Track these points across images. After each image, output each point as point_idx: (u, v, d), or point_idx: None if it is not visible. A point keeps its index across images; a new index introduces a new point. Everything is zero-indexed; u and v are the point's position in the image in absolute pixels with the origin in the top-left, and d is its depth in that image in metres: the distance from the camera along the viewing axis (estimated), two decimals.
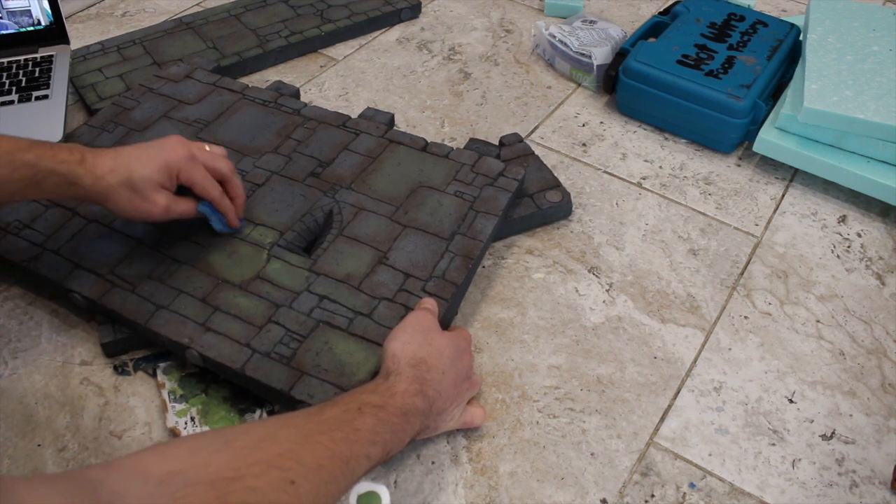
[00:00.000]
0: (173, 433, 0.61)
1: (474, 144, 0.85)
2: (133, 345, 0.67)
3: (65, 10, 0.98)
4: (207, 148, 0.67)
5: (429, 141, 0.81)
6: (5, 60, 0.94)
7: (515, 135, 0.87)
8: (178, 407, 0.63)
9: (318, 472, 0.44)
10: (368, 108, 0.88)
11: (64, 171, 0.59)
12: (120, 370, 0.66)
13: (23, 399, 0.64)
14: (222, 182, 0.67)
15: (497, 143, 0.87)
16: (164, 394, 0.64)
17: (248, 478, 0.41)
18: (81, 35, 1.09)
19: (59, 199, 0.61)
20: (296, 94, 0.91)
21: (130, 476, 0.39)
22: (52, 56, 0.95)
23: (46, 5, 0.96)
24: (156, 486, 0.38)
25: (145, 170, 0.61)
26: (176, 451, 0.42)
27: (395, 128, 0.85)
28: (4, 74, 0.92)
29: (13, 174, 0.57)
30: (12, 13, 0.95)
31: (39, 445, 0.61)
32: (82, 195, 0.61)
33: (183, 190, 0.66)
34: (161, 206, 0.63)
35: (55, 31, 0.97)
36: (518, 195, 0.78)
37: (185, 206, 0.65)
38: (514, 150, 0.85)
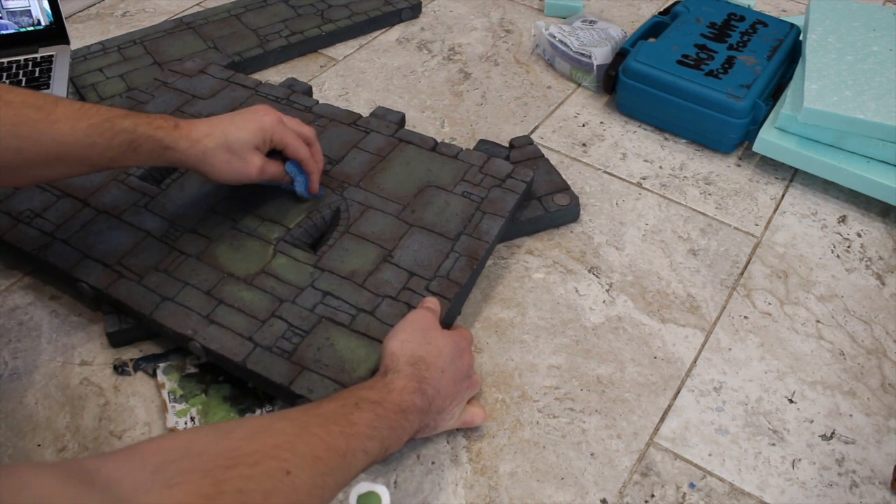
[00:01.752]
0: (172, 432, 0.61)
1: (483, 146, 0.86)
2: (137, 336, 0.68)
3: (65, 10, 0.98)
4: (289, 118, 0.71)
5: (438, 141, 0.81)
6: (5, 60, 0.94)
7: (526, 137, 0.87)
8: (178, 407, 0.63)
9: (313, 464, 0.44)
10: (379, 107, 0.89)
11: (161, 137, 0.61)
12: (120, 370, 0.66)
13: (23, 399, 0.64)
14: (308, 145, 0.71)
15: (506, 145, 0.87)
16: (164, 394, 0.64)
17: (243, 467, 0.41)
18: (81, 35, 1.09)
19: (155, 164, 0.64)
20: (308, 90, 0.92)
21: (126, 465, 0.39)
22: (52, 56, 0.95)
23: (46, 5, 0.96)
24: (151, 474, 0.38)
25: (241, 132, 0.65)
26: (172, 443, 0.42)
27: (404, 127, 0.85)
28: (4, 74, 0.92)
29: (112, 140, 0.59)
30: (12, 13, 0.95)
31: (39, 445, 0.61)
32: (177, 159, 0.63)
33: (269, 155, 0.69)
34: (257, 167, 0.67)
35: (55, 31, 0.97)
36: (526, 197, 0.78)
37: (276, 168, 0.70)
38: (523, 152, 0.85)
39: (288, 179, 0.72)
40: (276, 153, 0.70)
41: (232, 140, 0.64)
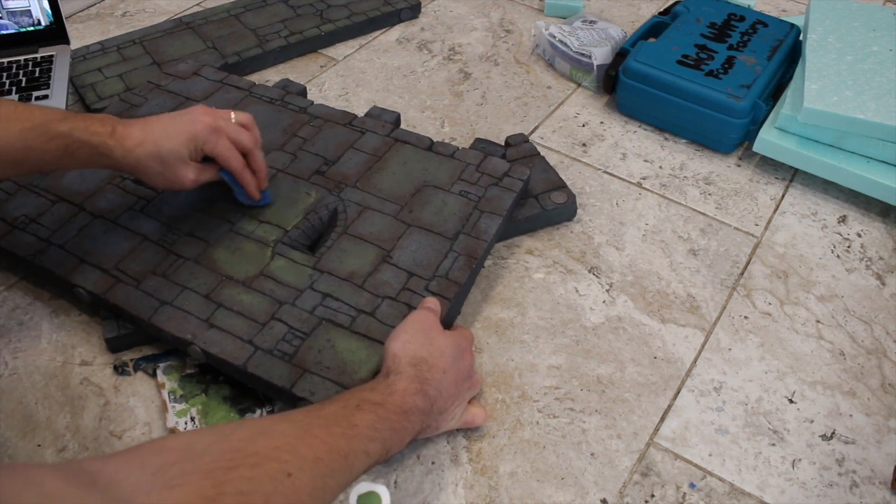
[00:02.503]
0: (173, 433, 0.61)
1: (480, 144, 0.86)
2: (136, 340, 0.67)
3: (65, 10, 0.98)
4: (233, 116, 0.69)
5: (434, 141, 0.81)
6: (5, 60, 0.94)
7: (521, 135, 0.87)
8: (178, 407, 0.63)
9: (315, 465, 0.44)
10: (375, 106, 0.88)
11: (96, 143, 0.61)
12: (120, 370, 0.66)
13: (23, 399, 0.64)
14: (245, 153, 0.69)
15: (502, 144, 0.87)
16: (164, 394, 0.64)
17: (243, 468, 0.40)
18: (81, 35, 1.09)
19: (95, 167, 0.64)
20: (302, 91, 0.92)
21: (127, 466, 0.39)
22: (52, 56, 0.95)
23: (46, 5, 0.96)
24: (151, 475, 0.38)
25: (172, 143, 0.64)
26: (173, 444, 0.42)
27: (400, 127, 0.85)
28: (4, 74, 0.92)
29: (48, 144, 0.59)
30: (12, 13, 0.95)
31: (39, 445, 0.61)
32: (113, 166, 0.63)
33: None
34: (189, 179, 0.66)
35: (55, 31, 0.97)
36: (523, 195, 0.78)
37: (210, 174, 0.68)
38: (519, 150, 0.85)
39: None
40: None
41: (164, 152, 0.63)
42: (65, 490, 0.35)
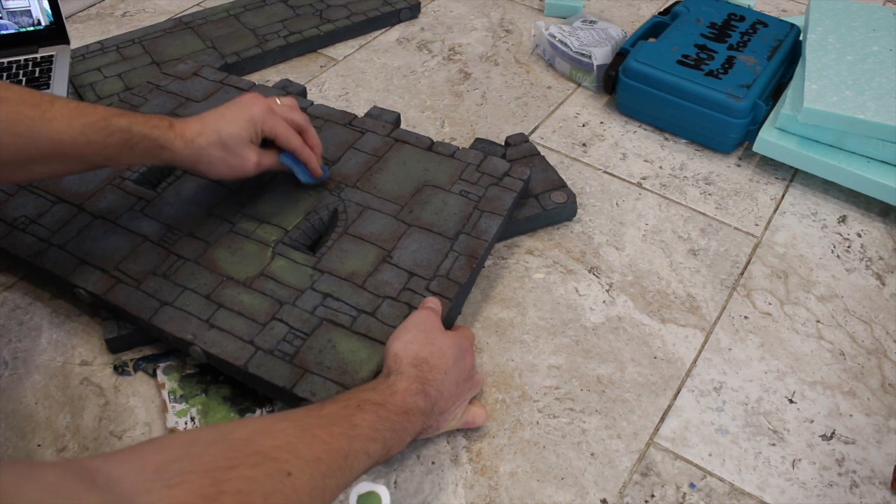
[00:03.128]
0: (173, 433, 0.61)
1: (480, 144, 0.86)
2: (136, 341, 0.67)
3: (65, 10, 0.98)
4: (279, 101, 0.70)
5: (434, 140, 0.81)
6: (5, 60, 0.94)
7: (521, 135, 0.87)
8: (178, 407, 0.63)
9: (315, 465, 0.44)
10: (374, 106, 0.88)
11: (156, 136, 0.61)
12: (120, 370, 0.66)
13: (23, 399, 0.64)
14: (300, 132, 0.70)
15: (502, 144, 0.87)
16: (164, 394, 0.64)
17: (243, 468, 0.40)
18: (81, 35, 1.09)
19: (151, 163, 0.65)
20: (302, 92, 0.92)
21: (126, 465, 0.39)
22: (52, 56, 0.95)
23: (46, 5, 0.96)
24: (151, 474, 0.38)
25: (233, 128, 0.65)
26: (172, 443, 0.42)
27: (400, 127, 0.85)
28: (4, 74, 0.92)
29: (109, 139, 0.59)
30: (12, 13, 0.95)
31: (39, 445, 0.61)
32: (172, 159, 0.63)
33: (263, 144, 0.69)
34: (253, 162, 0.67)
35: (55, 31, 0.97)
36: (523, 195, 0.78)
37: (271, 159, 0.69)
38: (519, 150, 0.85)
39: (285, 168, 0.71)
40: (272, 142, 0.70)
41: (225, 136, 0.64)
42: (64, 487, 0.35)
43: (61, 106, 0.58)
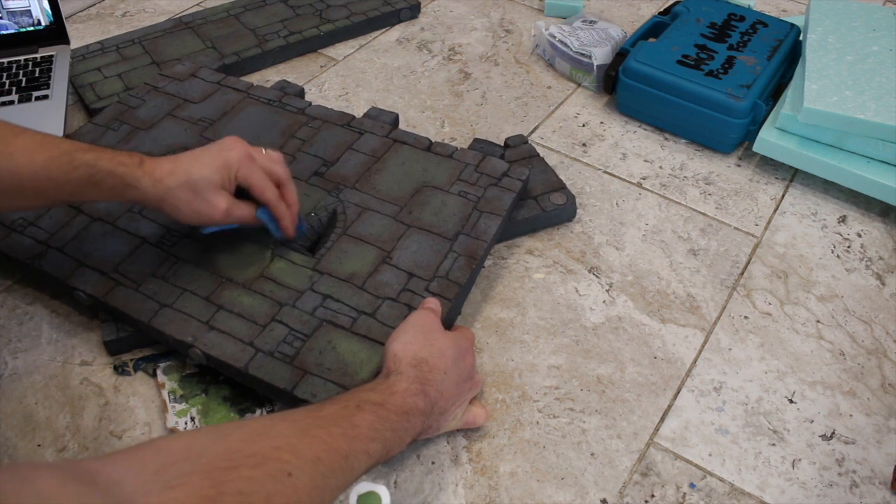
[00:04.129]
0: (173, 433, 0.61)
1: (478, 144, 0.86)
2: (136, 343, 0.67)
3: (65, 10, 0.98)
4: (264, 152, 0.66)
5: (433, 141, 0.81)
6: (5, 60, 0.94)
7: (520, 136, 0.87)
8: (178, 407, 0.63)
9: (315, 465, 0.44)
10: (373, 107, 0.88)
11: (122, 173, 0.59)
12: (120, 370, 0.66)
13: (23, 399, 0.64)
14: (279, 186, 0.66)
15: (501, 144, 0.87)
16: (164, 394, 0.64)
17: (243, 468, 0.40)
18: (82, 35, 1.09)
19: (116, 200, 0.62)
20: (300, 93, 0.92)
21: (127, 466, 0.39)
22: (52, 56, 0.95)
23: (46, 5, 0.96)
24: (151, 476, 0.38)
25: (205, 170, 0.61)
26: (172, 444, 0.42)
27: (398, 128, 0.85)
28: (4, 74, 0.92)
29: (71, 174, 0.57)
30: (12, 13, 0.95)
31: (39, 445, 0.61)
32: (140, 198, 0.60)
33: (241, 195, 0.65)
34: (221, 210, 0.62)
35: (55, 31, 0.97)
36: (522, 196, 0.78)
37: (243, 211, 0.64)
38: (518, 151, 0.85)
39: (258, 223, 0.66)
40: (250, 195, 0.65)
41: (195, 178, 0.60)
42: (64, 490, 0.35)
43: (25, 139, 0.57)
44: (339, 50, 1.07)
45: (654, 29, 1.00)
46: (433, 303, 0.63)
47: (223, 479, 0.39)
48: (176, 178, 0.60)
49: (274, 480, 0.41)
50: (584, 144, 0.92)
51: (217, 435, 0.43)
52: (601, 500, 0.59)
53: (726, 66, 0.90)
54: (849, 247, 0.80)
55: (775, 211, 0.84)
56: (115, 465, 0.39)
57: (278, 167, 0.66)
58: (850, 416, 0.65)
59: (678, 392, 0.66)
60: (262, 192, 0.64)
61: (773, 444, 0.63)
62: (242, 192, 0.64)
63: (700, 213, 0.83)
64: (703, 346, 0.70)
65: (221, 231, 0.67)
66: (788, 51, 0.94)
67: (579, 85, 1.01)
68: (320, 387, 0.59)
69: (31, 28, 0.96)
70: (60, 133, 0.85)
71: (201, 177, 0.61)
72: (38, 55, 0.95)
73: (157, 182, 0.60)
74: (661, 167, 0.89)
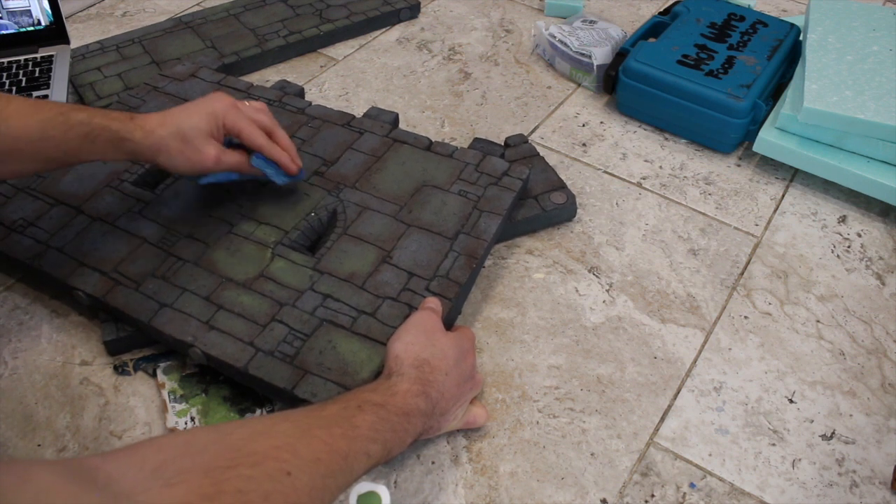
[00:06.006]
0: (173, 433, 0.61)
1: (479, 144, 0.86)
2: (136, 343, 0.67)
3: (65, 10, 0.98)
4: (248, 103, 0.69)
5: (433, 140, 0.81)
6: (5, 60, 0.94)
7: (520, 135, 0.87)
8: (178, 407, 0.63)
9: (315, 466, 0.44)
10: (373, 107, 0.88)
11: (116, 128, 0.61)
12: (120, 370, 0.66)
13: (23, 399, 0.64)
14: (268, 133, 0.69)
15: (501, 143, 0.87)
16: (164, 394, 0.64)
17: (243, 467, 0.40)
18: (82, 35, 1.09)
19: (113, 157, 0.63)
20: (300, 92, 0.91)
21: (126, 464, 0.39)
22: (52, 56, 0.95)
23: (46, 5, 0.96)
24: (150, 473, 0.38)
25: (193, 119, 0.64)
26: (172, 442, 0.42)
27: (398, 127, 0.85)
28: (4, 74, 0.92)
29: (68, 133, 0.59)
30: (12, 13, 0.95)
31: (39, 445, 0.61)
32: (133, 150, 0.62)
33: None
34: (212, 156, 0.65)
35: (55, 31, 0.97)
36: (522, 195, 0.78)
37: (235, 158, 0.67)
38: (518, 150, 0.85)
39: (257, 174, 0.69)
40: (243, 147, 0.68)
41: (185, 128, 0.63)
42: (62, 487, 0.35)
43: (17, 104, 0.58)
44: (339, 50, 1.07)
45: (654, 29, 1.00)
46: (434, 302, 0.63)
47: (222, 477, 0.39)
48: (166, 128, 0.63)
49: (273, 480, 0.41)
50: (584, 144, 0.92)
51: (217, 433, 0.44)
52: (601, 500, 0.59)
53: (726, 66, 0.90)
54: (849, 247, 0.80)
55: (775, 211, 0.84)
56: (114, 462, 0.39)
57: (264, 116, 0.69)
58: (850, 416, 0.65)
59: (678, 392, 0.66)
60: (252, 136, 0.67)
61: (773, 444, 0.63)
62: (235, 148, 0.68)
63: (700, 213, 0.83)
64: (703, 346, 0.70)
65: (219, 182, 0.69)
66: (788, 51, 0.94)
67: (579, 85, 1.01)
68: (320, 386, 0.59)
69: (31, 28, 0.96)
70: None
71: (190, 126, 0.63)
72: (38, 55, 0.95)
73: (148, 133, 0.62)
74: (661, 167, 0.89)
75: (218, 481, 0.39)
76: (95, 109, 0.61)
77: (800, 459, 0.62)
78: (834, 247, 0.80)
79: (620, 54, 0.95)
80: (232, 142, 0.68)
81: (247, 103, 0.69)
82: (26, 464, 0.35)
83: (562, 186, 0.81)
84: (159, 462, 0.39)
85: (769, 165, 0.89)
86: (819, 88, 0.82)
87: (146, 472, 0.38)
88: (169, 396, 0.63)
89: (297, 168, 0.70)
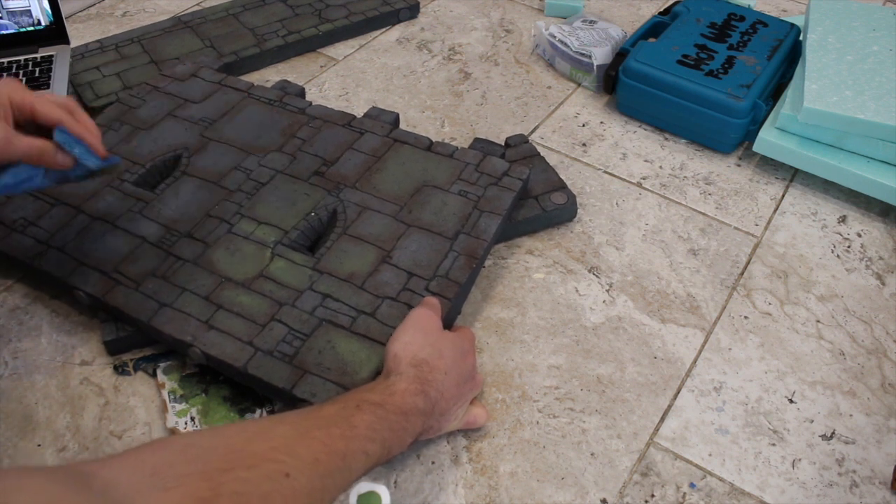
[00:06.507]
0: (173, 433, 0.61)
1: (479, 144, 0.85)
2: (135, 343, 0.67)
3: (65, 10, 0.98)
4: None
5: (433, 141, 0.81)
6: (5, 60, 0.94)
7: (521, 136, 0.87)
8: (178, 407, 0.63)
9: (313, 466, 0.44)
10: (373, 107, 0.88)
11: None
12: (120, 370, 0.66)
13: (23, 399, 0.64)
14: (69, 112, 0.58)
15: (502, 144, 0.87)
16: (164, 394, 0.64)
17: (240, 469, 0.40)
18: (81, 35, 1.09)
19: None
20: (301, 92, 0.91)
21: (123, 468, 0.39)
22: (52, 56, 0.95)
23: (46, 5, 0.95)
24: (148, 478, 0.38)
25: None
26: (170, 445, 0.42)
27: (399, 127, 0.85)
28: (4, 74, 0.92)
29: None
30: (12, 13, 0.95)
31: (39, 445, 0.61)
32: None
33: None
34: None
35: (55, 31, 0.97)
36: (522, 195, 0.78)
37: (30, 141, 0.55)
38: (519, 150, 0.85)
39: (65, 162, 0.57)
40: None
41: None
42: (61, 494, 0.35)
43: None
44: (339, 50, 1.07)
45: (654, 29, 1.00)
46: (433, 301, 0.63)
47: (220, 480, 0.39)
48: None
49: (271, 481, 0.41)
50: (584, 144, 0.92)
51: (215, 436, 0.43)
52: (601, 500, 0.59)
53: (726, 66, 0.90)
54: (849, 247, 0.80)
55: (775, 211, 0.84)
56: (111, 468, 0.39)
57: (59, 97, 0.59)
58: (850, 416, 0.65)
59: (678, 392, 0.66)
60: (49, 112, 0.56)
61: (773, 444, 0.63)
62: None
63: (700, 213, 0.83)
64: (703, 346, 0.70)
65: (17, 188, 0.56)
66: (788, 51, 0.94)
67: (579, 85, 1.01)
68: (319, 386, 0.59)
69: (31, 28, 0.96)
70: None
71: None
72: (38, 55, 0.95)
73: None
74: (661, 167, 0.89)
75: (215, 484, 0.39)
76: None
77: (800, 459, 0.62)
78: (834, 247, 0.80)
79: (620, 54, 0.95)
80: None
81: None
82: (22, 471, 0.35)
83: (562, 187, 0.81)
84: (156, 466, 0.39)
85: (769, 165, 0.89)
86: (819, 88, 0.82)
87: (143, 476, 0.38)
88: (169, 396, 0.63)
89: (106, 152, 0.59)
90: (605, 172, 0.88)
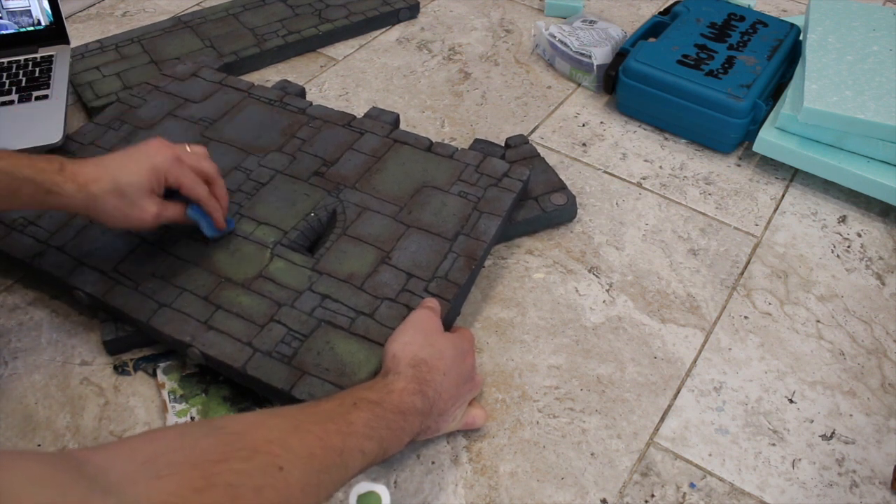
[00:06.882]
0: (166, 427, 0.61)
1: (479, 145, 0.85)
2: (135, 343, 0.67)
3: (65, 10, 0.98)
4: (189, 149, 0.66)
5: (433, 141, 0.81)
6: (5, 60, 0.94)
7: (521, 136, 0.87)
8: (178, 407, 0.63)
9: (308, 461, 0.43)
10: (374, 107, 0.88)
11: (42, 180, 0.57)
12: (120, 370, 0.66)
13: (23, 399, 0.64)
14: (208, 183, 0.66)
15: (502, 144, 0.87)
16: (164, 394, 0.64)
17: (234, 461, 0.40)
18: (81, 35, 1.09)
19: (39, 208, 0.60)
20: (301, 92, 0.92)
21: (116, 456, 0.39)
22: (52, 56, 0.95)
23: (46, 5, 0.95)
24: (140, 465, 0.38)
25: (132, 176, 0.60)
26: (164, 435, 0.42)
27: (399, 128, 0.85)
28: (4, 74, 0.92)
29: None
30: (12, 13, 0.95)
31: (39, 445, 0.61)
32: (63, 204, 0.59)
33: (168, 195, 0.64)
34: (151, 214, 0.62)
35: (55, 31, 0.97)
36: (522, 196, 0.78)
37: (174, 211, 0.65)
38: (519, 151, 0.85)
39: (190, 222, 0.67)
40: (179, 194, 0.65)
41: (123, 185, 0.59)
42: (50, 478, 0.34)
43: None
44: (339, 50, 1.07)
45: (654, 29, 1.00)
46: (432, 303, 0.63)
47: (213, 470, 0.39)
48: (101, 184, 0.59)
49: (264, 474, 0.41)
50: (584, 144, 0.92)
51: (210, 428, 0.43)
52: (601, 500, 0.59)
53: (726, 65, 0.90)
54: (849, 247, 0.80)
55: (775, 211, 0.84)
56: (104, 454, 0.38)
57: (206, 164, 0.66)
58: (850, 415, 0.65)
59: (678, 392, 0.66)
60: (193, 190, 0.64)
61: (773, 444, 0.63)
62: (169, 192, 0.64)
63: (700, 213, 0.83)
64: (703, 346, 0.70)
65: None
66: (788, 51, 0.94)
67: (579, 85, 1.01)
68: (318, 387, 0.59)
69: (31, 28, 0.96)
70: (61, 133, 0.84)
71: (129, 182, 0.60)
72: (38, 55, 0.95)
73: (81, 187, 0.58)
74: (661, 167, 0.89)
75: (209, 475, 0.39)
76: (22, 157, 0.57)
77: (800, 459, 0.62)
78: (834, 247, 0.80)
79: (620, 54, 0.95)
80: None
81: (188, 149, 0.66)
82: (14, 454, 0.35)
83: (562, 187, 0.81)
84: (150, 455, 0.39)
85: (769, 165, 0.89)
86: (819, 88, 0.82)
87: (136, 464, 0.38)
88: (169, 396, 0.63)
89: (225, 224, 0.69)
90: (605, 172, 0.88)
